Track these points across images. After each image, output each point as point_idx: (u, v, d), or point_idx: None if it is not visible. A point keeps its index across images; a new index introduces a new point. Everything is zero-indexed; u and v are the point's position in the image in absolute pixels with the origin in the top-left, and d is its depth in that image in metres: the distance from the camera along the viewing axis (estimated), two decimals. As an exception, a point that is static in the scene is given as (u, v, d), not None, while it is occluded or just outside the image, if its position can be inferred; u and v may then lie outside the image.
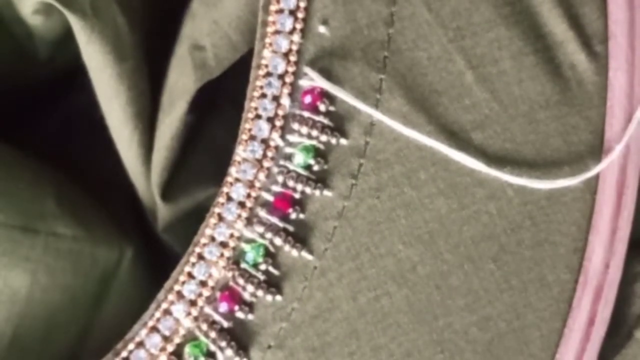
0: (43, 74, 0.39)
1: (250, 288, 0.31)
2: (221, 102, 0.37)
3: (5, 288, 0.34)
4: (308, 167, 0.32)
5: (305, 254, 0.31)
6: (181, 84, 0.34)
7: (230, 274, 0.32)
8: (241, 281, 0.31)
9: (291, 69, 0.32)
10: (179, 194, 0.36)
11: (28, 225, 0.34)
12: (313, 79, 0.31)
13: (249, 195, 0.32)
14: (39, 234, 0.34)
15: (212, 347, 0.31)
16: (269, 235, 0.32)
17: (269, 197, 0.32)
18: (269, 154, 0.32)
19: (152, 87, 0.36)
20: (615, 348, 0.32)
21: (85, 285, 0.35)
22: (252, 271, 0.32)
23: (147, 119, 0.36)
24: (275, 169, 0.32)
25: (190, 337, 0.32)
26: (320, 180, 0.32)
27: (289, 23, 0.32)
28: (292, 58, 0.32)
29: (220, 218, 0.32)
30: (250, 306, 0.31)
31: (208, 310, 0.32)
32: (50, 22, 0.36)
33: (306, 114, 0.32)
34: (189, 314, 0.32)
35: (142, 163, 0.36)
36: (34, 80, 0.39)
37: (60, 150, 0.40)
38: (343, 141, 0.32)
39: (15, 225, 0.34)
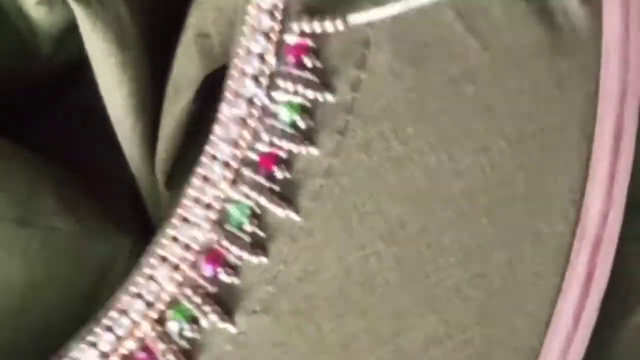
0: (45, 71, 0.39)
1: (235, 250, 0.31)
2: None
3: (1, 282, 0.33)
4: (294, 125, 0.31)
5: (291, 214, 0.31)
6: (187, 73, 0.34)
7: (215, 237, 0.31)
8: (226, 243, 0.31)
9: (277, 26, 0.31)
10: (182, 182, 0.35)
11: (25, 219, 0.34)
12: (299, 34, 0.31)
13: (234, 155, 0.31)
14: (36, 228, 0.34)
15: (196, 313, 0.30)
16: (254, 195, 0.31)
17: (254, 157, 0.31)
18: (254, 112, 0.31)
19: (154, 77, 0.36)
20: (627, 313, 0.31)
21: (83, 280, 0.35)
22: (237, 233, 0.31)
23: (149, 109, 0.36)
24: (260, 127, 0.31)
25: (174, 303, 0.31)
26: (307, 137, 0.31)
27: (273, -21, 0.32)
28: (278, 15, 0.31)
29: (205, 179, 0.31)
30: (235, 269, 0.31)
31: (192, 274, 0.31)
32: (53, 15, 0.36)
33: (292, 70, 0.31)
34: (172, 278, 0.31)
35: (145, 153, 0.36)
36: (35, 76, 0.39)
37: (59, 146, 0.40)
38: (329, 97, 0.31)
39: (13, 219, 0.34)
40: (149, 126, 0.36)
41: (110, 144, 0.36)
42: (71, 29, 0.36)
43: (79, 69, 0.37)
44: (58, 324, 0.34)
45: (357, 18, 0.30)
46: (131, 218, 0.37)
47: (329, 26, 0.31)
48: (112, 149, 0.37)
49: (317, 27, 0.31)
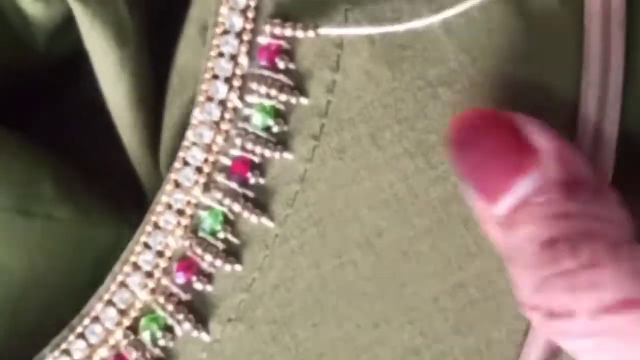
0: (41, 65, 0.38)
1: (208, 258, 0.30)
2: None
3: (2, 270, 0.33)
4: (267, 129, 0.30)
5: (265, 221, 0.30)
6: (193, 65, 0.33)
7: (187, 243, 0.30)
8: (199, 250, 0.30)
9: (249, 26, 0.30)
10: None
11: (25, 208, 0.34)
12: (271, 36, 0.30)
13: (206, 160, 0.30)
14: (36, 217, 0.34)
15: (170, 321, 0.30)
16: (227, 201, 0.30)
17: (227, 162, 0.30)
18: (227, 115, 0.30)
19: (153, 68, 0.36)
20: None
21: (83, 268, 0.34)
22: (211, 240, 0.30)
23: (149, 104, 0.35)
24: (233, 132, 0.30)
25: (147, 311, 0.30)
26: (281, 142, 0.30)
27: (245, -22, 0.30)
28: (250, 14, 0.30)
29: (177, 184, 0.30)
30: (209, 277, 0.30)
31: (165, 282, 0.30)
32: (50, 10, 0.35)
33: (265, 72, 0.30)
34: (145, 286, 0.30)
35: (145, 147, 0.35)
36: (32, 71, 0.39)
37: (59, 138, 0.39)
38: (303, 100, 0.30)
39: (12, 208, 0.33)
40: (150, 119, 0.35)
41: (110, 135, 0.36)
42: (68, 23, 0.35)
43: (77, 62, 0.36)
44: (58, 313, 0.33)
45: (329, 31, 0.30)
46: (131, 208, 0.37)
47: (300, 34, 0.30)
48: (112, 141, 0.36)
49: (288, 32, 0.30)
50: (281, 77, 0.30)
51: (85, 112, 0.38)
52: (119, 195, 0.37)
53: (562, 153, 0.27)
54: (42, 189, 0.34)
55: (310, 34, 0.30)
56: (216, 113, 0.30)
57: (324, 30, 0.30)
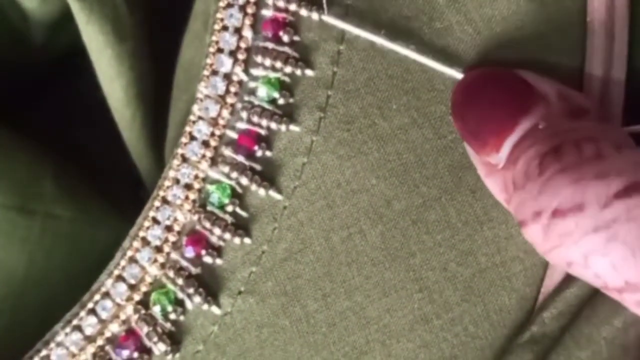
0: (40, 59, 0.38)
1: (217, 231, 0.30)
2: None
3: (2, 269, 0.33)
4: (273, 101, 0.30)
5: (273, 194, 0.30)
6: (199, 60, 0.33)
7: (196, 217, 0.30)
8: (208, 224, 0.30)
9: None
10: None
11: (25, 206, 0.34)
12: (274, 8, 0.30)
13: (212, 134, 0.30)
14: (36, 215, 0.34)
15: (180, 295, 0.30)
16: (234, 175, 0.30)
17: (234, 135, 0.30)
18: (232, 89, 0.30)
19: (155, 66, 0.36)
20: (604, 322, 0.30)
21: (83, 266, 0.35)
22: (219, 213, 0.30)
23: (149, 99, 0.35)
24: (239, 105, 0.30)
25: (157, 285, 0.30)
26: (287, 114, 0.30)
27: (247, -50, 0.30)
28: (254, -14, 0.30)
29: (184, 159, 0.30)
30: (218, 250, 0.30)
31: (175, 256, 0.30)
32: (47, 5, 0.35)
33: (269, 45, 0.30)
34: (155, 260, 0.30)
35: (145, 143, 0.36)
36: (30, 65, 0.39)
37: (59, 134, 0.39)
38: (309, 72, 0.30)
39: (13, 206, 0.34)
40: (150, 115, 0.35)
41: (111, 130, 0.36)
42: (67, 18, 0.35)
43: (77, 57, 0.36)
44: (60, 311, 0.33)
45: (332, 20, 0.29)
46: (133, 204, 0.36)
47: (303, 12, 0.30)
48: (114, 136, 0.36)
49: (292, 7, 0.30)
50: (286, 49, 0.30)
51: (87, 105, 0.38)
52: (120, 190, 0.38)
53: (564, 92, 0.27)
54: (42, 187, 0.35)
55: (314, 16, 0.30)
56: (221, 87, 0.30)
57: (327, 18, 0.30)
